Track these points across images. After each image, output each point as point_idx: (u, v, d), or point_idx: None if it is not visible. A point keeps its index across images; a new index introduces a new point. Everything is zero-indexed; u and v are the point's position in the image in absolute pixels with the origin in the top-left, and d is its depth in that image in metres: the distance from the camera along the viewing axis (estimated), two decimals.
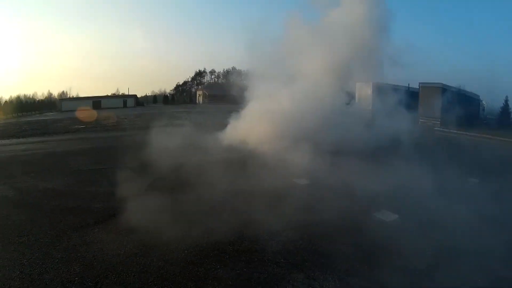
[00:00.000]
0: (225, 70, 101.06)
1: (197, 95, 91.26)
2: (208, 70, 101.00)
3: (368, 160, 12.18)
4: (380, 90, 24.11)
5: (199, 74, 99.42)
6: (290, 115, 16.03)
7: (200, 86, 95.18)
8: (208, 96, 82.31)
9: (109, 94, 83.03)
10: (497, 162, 13.42)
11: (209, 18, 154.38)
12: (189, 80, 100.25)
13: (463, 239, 6.11)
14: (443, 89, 30.00)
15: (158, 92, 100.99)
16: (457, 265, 5.22)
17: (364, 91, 28.45)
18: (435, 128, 24.45)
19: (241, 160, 12.69)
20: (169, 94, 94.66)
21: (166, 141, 14.45)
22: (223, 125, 19.23)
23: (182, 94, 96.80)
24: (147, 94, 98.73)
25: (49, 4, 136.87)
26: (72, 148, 17.22)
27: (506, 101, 35.09)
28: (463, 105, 26.44)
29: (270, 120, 16.11)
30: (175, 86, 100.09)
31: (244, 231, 6.50)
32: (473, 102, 32.57)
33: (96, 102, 67.16)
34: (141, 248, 5.77)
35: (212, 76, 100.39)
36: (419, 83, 31.82)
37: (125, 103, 71.14)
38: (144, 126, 23.51)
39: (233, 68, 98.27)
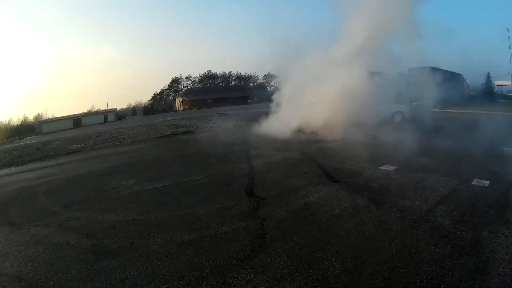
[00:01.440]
0: (201, 74, 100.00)
1: (177, 103, 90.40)
2: (184, 76, 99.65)
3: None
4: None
5: (176, 81, 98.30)
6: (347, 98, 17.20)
7: (178, 93, 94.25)
8: (188, 102, 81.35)
9: (87, 111, 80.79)
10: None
11: (181, 23, 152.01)
12: (166, 88, 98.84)
13: None
14: (432, 71, 29.43)
15: (135, 104, 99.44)
16: None
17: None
18: (430, 110, 24.65)
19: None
20: (147, 104, 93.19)
21: (229, 138, 16.12)
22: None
23: (161, 103, 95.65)
24: (125, 107, 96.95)
25: (15, 22, 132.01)
26: (97, 167, 14.51)
27: (488, 77, 36.15)
28: (451, 85, 26.45)
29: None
30: (152, 95, 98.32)
31: None
32: (459, 81, 33.32)
33: (76, 120, 66.32)
34: None
35: (189, 82, 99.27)
36: (409, 68, 31.04)
37: (106, 118, 70.29)
38: (147, 137, 23.46)
39: (209, 72, 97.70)
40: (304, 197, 7.61)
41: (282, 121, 19.98)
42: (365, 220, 6.18)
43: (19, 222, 7.86)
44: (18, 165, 20.08)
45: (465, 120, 20.43)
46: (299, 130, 18.32)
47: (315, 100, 19.03)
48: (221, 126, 25.86)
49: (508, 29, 52.52)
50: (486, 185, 7.78)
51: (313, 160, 11.24)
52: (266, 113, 22.59)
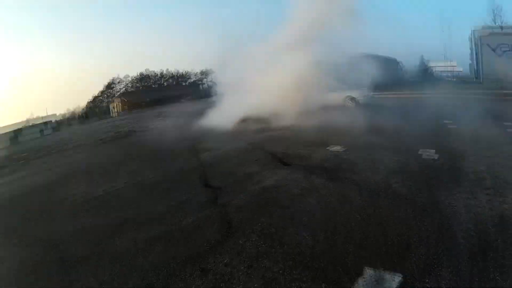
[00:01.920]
0: (136, 74, 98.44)
1: (114, 105, 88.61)
2: (120, 77, 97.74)
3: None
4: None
5: (112, 83, 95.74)
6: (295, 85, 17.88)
7: (114, 96, 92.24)
8: (125, 104, 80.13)
9: (26, 119, 76.83)
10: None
11: (115, 22, 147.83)
12: (103, 90, 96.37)
13: None
14: (367, 57, 30.50)
15: (74, 108, 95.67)
16: None
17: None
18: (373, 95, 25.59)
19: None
20: (85, 109, 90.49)
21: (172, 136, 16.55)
22: None
23: (98, 107, 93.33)
24: (64, 112, 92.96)
25: None
26: (43, 179, 12.94)
27: (422, 59, 38.17)
28: (387, 70, 27.49)
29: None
30: (90, 99, 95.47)
31: None
32: (394, 65, 34.75)
33: (12, 137, 62.71)
34: None
35: (124, 84, 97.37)
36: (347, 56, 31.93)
37: (41, 132, 67.58)
38: (91, 143, 22.85)
39: (145, 71, 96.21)
40: (260, 182, 7.70)
41: (226, 113, 20.11)
42: (325, 196, 6.39)
43: None
44: None
45: (404, 102, 21.95)
46: (244, 121, 18.39)
47: (260, 89, 19.31)
48: (161, 125, 25.48)
49: (439, 13, 55.04)
50: (434, 156, 8.37)
51: (262, 148, 11.33)
52: (206, 109, 22.75)
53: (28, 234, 6.80)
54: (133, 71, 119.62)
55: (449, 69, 44.58)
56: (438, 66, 45.98)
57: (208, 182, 8.28)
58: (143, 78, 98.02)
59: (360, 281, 3.75)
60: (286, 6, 22.12)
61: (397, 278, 3.72)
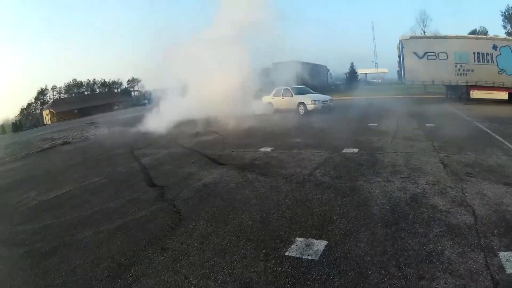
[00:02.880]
0: (66, 83, 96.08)
1: (44, 116, 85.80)
2: (49, 86, 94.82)
3: None
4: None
5: (41, 93, 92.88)
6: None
7: (45, 106, 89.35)
8: (56, 114, 78.00)
9: None
10: None
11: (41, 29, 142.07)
12: (32, 101, 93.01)
13: None
14: (295, 64, 31.63)
15: (2, 121, 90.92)
16: None
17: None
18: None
19: None
20: (15, 120, 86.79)
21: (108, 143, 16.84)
22: None
23: (29, 118, 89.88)
24: None
25: None
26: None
27: (352, 66, 40.78)
28: (314, 76, 29.17)
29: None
30: (19, 110, 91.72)
31: None
32: (322, 71, 36.62)
33: None
34: None
35: (55, 93, 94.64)
36: (272, 63, 32.97)
37: None
38: (27, 153, 22.25)
39: (74, 80, 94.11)
40: (200, 179, 8.46)
41: (160, 119, 20.95)
42: (258, 188, 7.32)
43: None
44: None
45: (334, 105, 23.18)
46: (178, 126, 19.40)
47: (191, 96, 20.02)
48: (95, 134, 25.44)
49: (372, 23, 57.86)
50: (356, 151, 9.65)
51: (197, 151, 12.06)
52: (139, 116, 23.32)
53: None
54: (61, 81, 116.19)
55: (379, 75, 47.33)
56: (368, 72, 48.63)
57: (153, 181, 8.89)
58: (76, 85, 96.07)
59: (293, 246, 4.61)
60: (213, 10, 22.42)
61: (323, 243, 4.61)
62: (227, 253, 4.69)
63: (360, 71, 50.40)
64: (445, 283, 3.58)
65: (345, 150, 9.86)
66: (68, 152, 18.56)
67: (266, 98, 23.95)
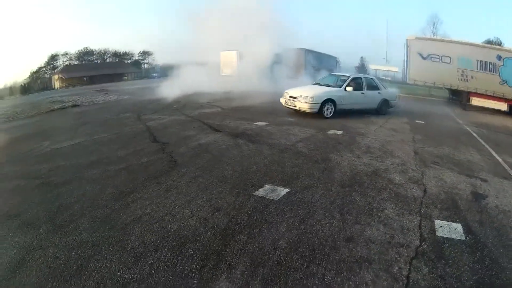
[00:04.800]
0: (78, 51, 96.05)
1: (54, 80, 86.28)
2: (61, 52, 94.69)
3: None
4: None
5: (52, 58, 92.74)
6: None
7: (55, 71, 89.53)
8: (66, 79, 78.47)
9: None
10: None
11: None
12: (42, 65, 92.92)
13: None
14: (306, 52, 32.63)
15: (11, 84, 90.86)
16: None
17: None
18: None
19: None
20: (24, 83, 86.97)
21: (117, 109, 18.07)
22: None
23: (37, 82, 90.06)
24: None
25: None
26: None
27: (362, 61, 41.09)
28: (324, 64, 29.64)
29: None
30: (29, 74, 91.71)
31: None
32: (332, 61, 37.07)
33: None
34: None
35: (66, 59, 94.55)
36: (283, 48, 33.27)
37: None
38: (37, 112, 23.25)
39: (86, 48, 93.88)
40: (197, 140, 9.54)
41: (167, 91, 21.89)
42: (244, 150, 8.40)
43: None
44: None
45: None
46: (184, 99, 20.37)
47: (199, 72, 20.75)
48: (104, 100, 26.11)
49: (387, 20, 58.16)
50: (340, 133, 10.61)
51: (198, 120, 13.05)
52: (146, 88, 24.37)
53: (7, 173, 7.97)
54: (72, 49, 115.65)
55: (390, 73, 47.34)
56: (379, 69, 48.42)
57: (156, 139, 9.93)
58: (87, 53, 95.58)
59: (261, 190, 5.72)
60: None
61: (285, 190, 5.71)
62: (208, 189, 5.79)
63: (371, 66, 50.04)
64: (377, 230, 4.50)
65: (331, 131, 10.80)
66: (77, 114, 19.30)
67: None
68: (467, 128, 14.00)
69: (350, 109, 14.18)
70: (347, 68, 42.83)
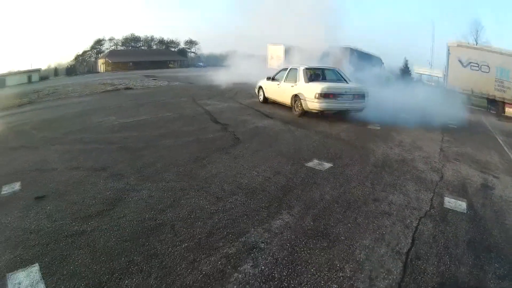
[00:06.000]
0: (124, 37, 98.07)
1: (99, 64, 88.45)
2: (107, 37, 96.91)
3: None
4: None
5: (98, 42, 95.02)
6: None
7: (100, 55, 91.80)
8: (111, 64, 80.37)
9: (7, 72, 71.88)
10: None
11: None
12: (88, 49, 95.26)
13: None
14: (351, 50, 32.62)
15: (56, 65, 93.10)
16: None
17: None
18: None
19: None
20: (70, 65, 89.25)
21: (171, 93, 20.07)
22: None
23: (83, 64, 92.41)
24: (45, 68, 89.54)
25: None
26: (66, 112, 15.45)
27: (406, 63, 40.86)
28: (368, 64, 30.23)
29: None
30: (74, 56, 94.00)
31: None
32: (376, 62, 36.99)
33: (0, 80, 61.73)
34: None
35: (112, 44, 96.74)
36: (329, 46, 33.58)
37: (29, 78, 66.94)
38: (91, 92, 25.61)
39: (132, 34, 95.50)
40: (253, 123, 11.04)
41: (220, 80, 23.27)
42: (296, 134, 9.89)
43: (38, 145, 8.92)
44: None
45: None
46: (238, 88, 21.81)
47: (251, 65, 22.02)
48: (156, 85, 27.55)
49: (433, 22, 57.81)
50: (378, 128, 11.80)
51: (252, 107, 14.45)
52: (194, 76, 25.70)
53: (82, 138, 9.47)
54: (119, 34, 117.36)
55: (433, 79, 46.82)
56: (424, 73, 47.76)
57: (217, 120, 11.46)
58: (133, 39, 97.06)
59: (310, 162, 7.28)
60: None
61: (329, 165, 7.26)
62: (268, 159, 7.38)
63: (415, 69, 49.41)
64: (397, 197, 5.88)
65: (370, 126, 11.93)
66: (132, 95, 20.54)
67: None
68: (495, 136, 14.43)
69: None
70: (391, 70, 42.39)
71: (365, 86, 12.74)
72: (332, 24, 24.18)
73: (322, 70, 13.86)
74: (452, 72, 24.54)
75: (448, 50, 24.52)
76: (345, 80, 13.11)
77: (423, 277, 3.66)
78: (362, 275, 3.60)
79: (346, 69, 26.13)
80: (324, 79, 13.22)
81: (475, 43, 46.12)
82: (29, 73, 66.49)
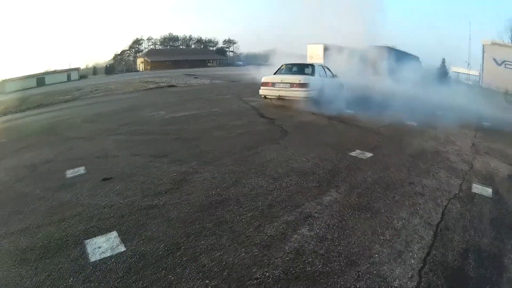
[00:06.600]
0: (162, 36, 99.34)
1: (138, 63, 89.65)
2: (145, 37, 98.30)
3: None
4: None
5: (137, 42, 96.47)
6: None
7: (139, 54, 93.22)
8: (150, 63, 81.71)
9: (44, 71, 71.55)
10: None
11: None
12: (127, 48, 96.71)
13: None
14: (389, 50, 32.70)
15: (94, 64, 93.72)
16: None
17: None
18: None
19: None
20: (109, 64, 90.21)
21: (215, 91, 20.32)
22: None
23: (121, 63, 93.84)
24: (83, 67, 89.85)
25: None
26: (115, 107, 16.39)
27: (443, 62, 40.49)
28: (405, 64, 29.77)
29: None
30: (113, 56, 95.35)
31: None
32: (414, 62, 36.85)
33: (40, 79, 61.64)
34: None
35: (149, 43, 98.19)
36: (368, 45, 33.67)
37: (69, 77, 67.71)
38: (134, 89, 26.17)
39: (170, 34, 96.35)
40: (298, 119, 11.88)
41: (258, 76, 23.37)
42: (338, 128, 10.83)
43: (94, 136, 9.72)
44: (24, 111, 20.67)
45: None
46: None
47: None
48: (198, 82, 28.66)
49: (470, 21, 56.70)
50: (415, 124, 12.39)
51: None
52: (235, 75, 26.52)
53: (136, 130, 10.31)
54: (157, 33, 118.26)
55: (471, 78, 46.05)
56: (461, 72, 47.10)
57: (264, 115, 12.35)
58: (172, 38, 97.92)
59: (353, 152, 8.15)
60: None
61: (370, 154, 8.08)
62: (315, 148, 8.27)
63: (453, 69, 48.77)
64: (430, 181, 6.64)
65: (408, 122, 12.49)
66: (177, 93, 21.33)
67: None
68: None
69: None
70: (428, 68, 41.77)
71: (307, 77, 13.71)
72: (372, 23, 24.25)
73: (298, 65, 15.57)
74: (487, 70, 24.64)
75: (483, 48, 24.64)
76: (310, 74, 14.11)
77: (451, 243, 4.40)
78: (399, 239, 4.39)
79: (384, 68, 26.66)
80: (290, 72, 14.83)
81: (510, 41, 45.14)
82: (68, 72, 66.77)
